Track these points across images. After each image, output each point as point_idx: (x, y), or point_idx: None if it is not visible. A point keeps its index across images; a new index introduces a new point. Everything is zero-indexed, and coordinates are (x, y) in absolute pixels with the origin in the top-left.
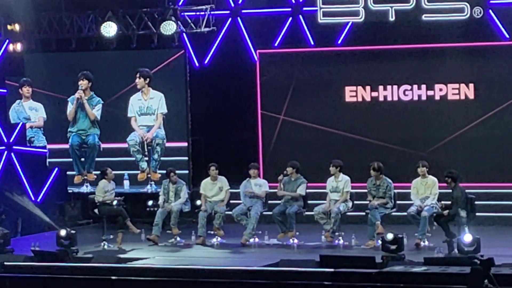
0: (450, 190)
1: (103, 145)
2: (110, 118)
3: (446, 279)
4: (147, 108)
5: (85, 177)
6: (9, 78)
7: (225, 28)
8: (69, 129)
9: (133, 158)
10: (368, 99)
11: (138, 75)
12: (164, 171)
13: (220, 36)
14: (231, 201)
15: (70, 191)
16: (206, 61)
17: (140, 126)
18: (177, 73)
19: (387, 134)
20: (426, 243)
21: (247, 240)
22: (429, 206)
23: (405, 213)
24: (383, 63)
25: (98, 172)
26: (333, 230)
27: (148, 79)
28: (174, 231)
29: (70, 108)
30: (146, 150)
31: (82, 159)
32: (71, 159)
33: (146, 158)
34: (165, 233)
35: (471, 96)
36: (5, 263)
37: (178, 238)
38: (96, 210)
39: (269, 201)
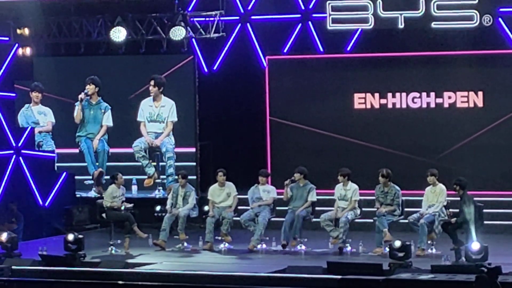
0: (459, 198)
1: (111, 150)
2: (118, 123)
3: (453, 287)
4: (157, 116)
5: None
6: (18, 82)
7: (234, 34)
8: (77, 134)
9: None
10: (377, 106)
11: (153, 83)
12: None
13: (229, 42)
14: (239, 207)
15: (78, 195)
16: (215, 67)
17: (148, 133)
18: (186, 79)
19: (396, 141)
20: (434, 250)
21: (255, 246)
22: (429, 214)
23: None
24: (392, 70)
25: (107, 177)
26: (343, 240)
27: (162, 87)
28: (181, 236)
29: (76, 111)
30: (153, 155)
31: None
32: (79, 164)
33: (154, 164)
34: (172, 239)
35: (480, 104)
36: (13, 267)
37: (186, 244)
38: (103, 215)
39: (277, 208)
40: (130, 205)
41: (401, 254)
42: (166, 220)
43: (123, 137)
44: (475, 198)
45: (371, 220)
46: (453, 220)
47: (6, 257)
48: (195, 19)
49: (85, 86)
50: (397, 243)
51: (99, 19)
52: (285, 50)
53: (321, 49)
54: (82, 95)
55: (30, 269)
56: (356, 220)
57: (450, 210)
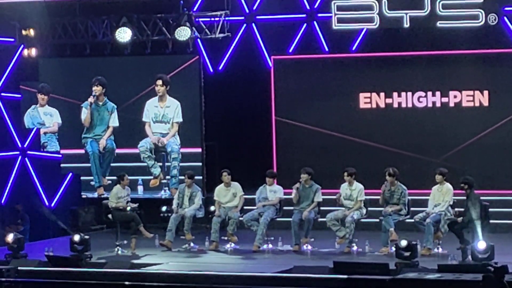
0: (465, 197)
1: (117, 151)
2: (124, 124)
3: (459, 287)
4: (163, 116)
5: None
6: (24, 83)
7: (239, 34)
8: (84, 135)
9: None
10: (382, 105)
11: (161, 83)
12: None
13: (235, 42)
14: (245, 207)
15: (84, 196)
16: (220, 67)
17: (154, 133)
18: (192, 79)
19: (401, 140)
20: (440, 250)
21: (259, 246)
22: (435, 213)
23: None
24: (397, 70)
25: (113, 178)
26: (349, 240)
27: (168, 86)
28: (187, 236)
29: (85, 114)
30: (159, 156)
31: (98, 164)
32: (84, 164)
33: (159, 164)
34: (178, 239)
35: (485, 103)
36: (19, 268)
37: (192, 244)
38: (109, 216)
39: (284, 207)
40: (135, 205)
41: (407, 254)
42: (172, 220)
43: (128, 137)
44: (481, 197)
45: (377, 220)
46: (460, 219)
47: (12, 258)
48: (200, 19)
49: (91, 87)
50: (403, 243)
51: (104, 20)
52: (290, 50)
53: (327, 49)
54: (91, 99)
55: (36, 270)
56: (362, 220)
57: (456, 209)
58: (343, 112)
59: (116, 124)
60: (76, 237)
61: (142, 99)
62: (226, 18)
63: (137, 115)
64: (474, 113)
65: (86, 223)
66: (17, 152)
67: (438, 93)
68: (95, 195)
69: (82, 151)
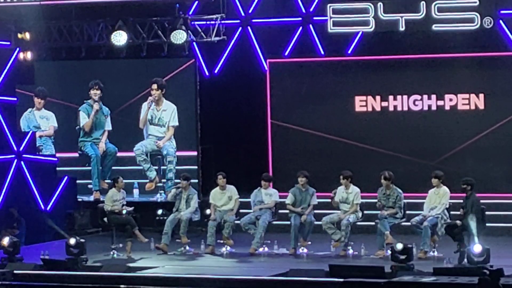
0: (463, 200)
1: None
2: (119, 127)
3: None
4: (159, 119)
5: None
6: (20, 87)
7: (235, 37)
8: (81, 139)
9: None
10: (378, 109)
11: (156, 87)
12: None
13: (230, 45)
14: (241, 211)
15: (79, 199)
16: (216, 70)
17: (150, 136)
18: (187, 82)
19: (397, 144)
20: (436, 253)
21: (256, 249)
22: (432, 216)
23: None
24: (393, 73)
25: (109, 181)
26: (345, 243)
27: (164, 90)
28: (183, 240)
29: (85, 118)
30: (154, 159)
31: (100, 168)
32: (80, 168)
33: (155, 167)
34: (174, 242)
35: (481, 106)
36: (15, 271)
37: (187, 247)
38: (105, 219)
39: (280, 211)
40: (131, 208)
41: (403, 257)
42: (168, 223)
43: (124, 141)
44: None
45: (373, 223)
46: (458, 222)
47: (8, 261)
48: (196, 22)
49: (89, 90)
50: (399, 246)
51: (100, 23)
52: (286, 53)
53: (322, 52)
54: (97, 106)
55: (32, 273)
56: (358, 223)
57: (461, 210)
58: (339, 115)
59: (110, 128)
60: (72, 241)
61: (138, 102)
62: (222, 22)
63: (133, 118)
64: (469, 116)
65: (82, 227)
66: (13, 156)
67: (433, 96)
68: (91, 198)
69: (77, 154)
